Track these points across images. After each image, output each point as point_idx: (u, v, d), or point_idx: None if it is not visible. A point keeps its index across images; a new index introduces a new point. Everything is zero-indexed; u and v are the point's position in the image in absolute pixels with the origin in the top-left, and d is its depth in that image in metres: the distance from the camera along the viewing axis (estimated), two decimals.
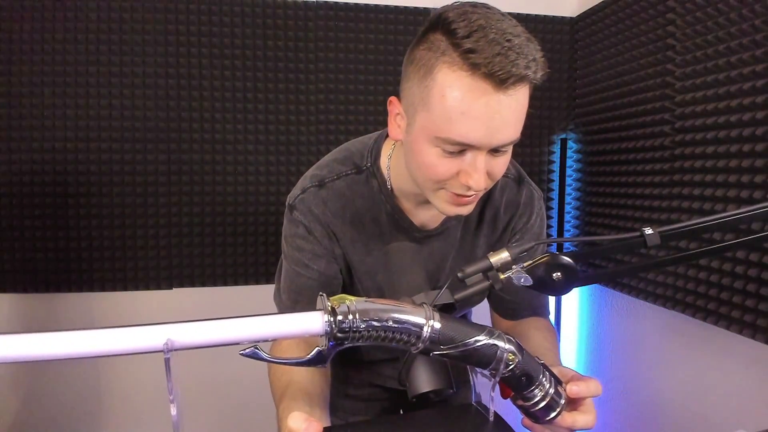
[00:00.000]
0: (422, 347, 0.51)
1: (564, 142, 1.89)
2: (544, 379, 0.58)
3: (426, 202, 0.78)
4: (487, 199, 0.87)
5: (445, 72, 0.62)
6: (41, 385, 1.66)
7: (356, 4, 1.70)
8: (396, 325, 0.49)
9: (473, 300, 0.66)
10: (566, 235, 1.92)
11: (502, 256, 0.57)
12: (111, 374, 1.71)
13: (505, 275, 0.56)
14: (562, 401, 0.60)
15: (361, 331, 0.48)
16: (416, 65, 0.66)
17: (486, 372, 0.55)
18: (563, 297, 1.91)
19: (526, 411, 0.60)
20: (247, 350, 0.45)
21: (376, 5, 1.71)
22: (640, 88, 1.51)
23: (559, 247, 1.71)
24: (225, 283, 1.71)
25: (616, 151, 1.63)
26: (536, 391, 0.58)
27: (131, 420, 1.73)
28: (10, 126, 1.53)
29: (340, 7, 1.69)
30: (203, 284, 1.69)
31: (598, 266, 1.61)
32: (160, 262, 1.65)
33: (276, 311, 0.70)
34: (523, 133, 0.68)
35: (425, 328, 0.50)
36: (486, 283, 0.56)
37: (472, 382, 0.58)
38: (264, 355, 0.46)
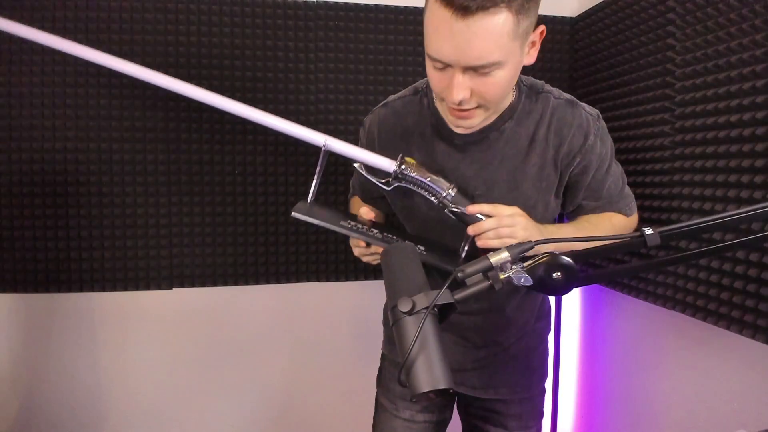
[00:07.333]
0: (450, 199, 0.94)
1: None
2: None
3: None
4: (539, 119, 0.98)
5: (429, 3, 0.79)
6: (41, 386, 1.66)
7: (356, 4, 1.70)
8: (430, 184, 0.95)
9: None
10: None
11: (502, 256, 0.57)
12: (111, 375, 1.70)
13: (505, 275, 0.56)
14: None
15: (410, 179, 0.95)
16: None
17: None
18: (563, 297, 1.91)
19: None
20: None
21: (376, 5, 1.71)
22: (640, 88, 1.51)
23: None
24: (225, 283, 1.71)
25: (615, 152, 1.63)
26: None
27: (131, 420, 1.73)
28: (10, 126, 1.53)
29: (340, 7, 1.69)
30: (203, 284, 1.69)
31: (598, 266, 1.61)
32: (160, 262, 1.65)
33: None
34: None
35: (447, 191, 0.94)
36: (486, 283, 0.56)
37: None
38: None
